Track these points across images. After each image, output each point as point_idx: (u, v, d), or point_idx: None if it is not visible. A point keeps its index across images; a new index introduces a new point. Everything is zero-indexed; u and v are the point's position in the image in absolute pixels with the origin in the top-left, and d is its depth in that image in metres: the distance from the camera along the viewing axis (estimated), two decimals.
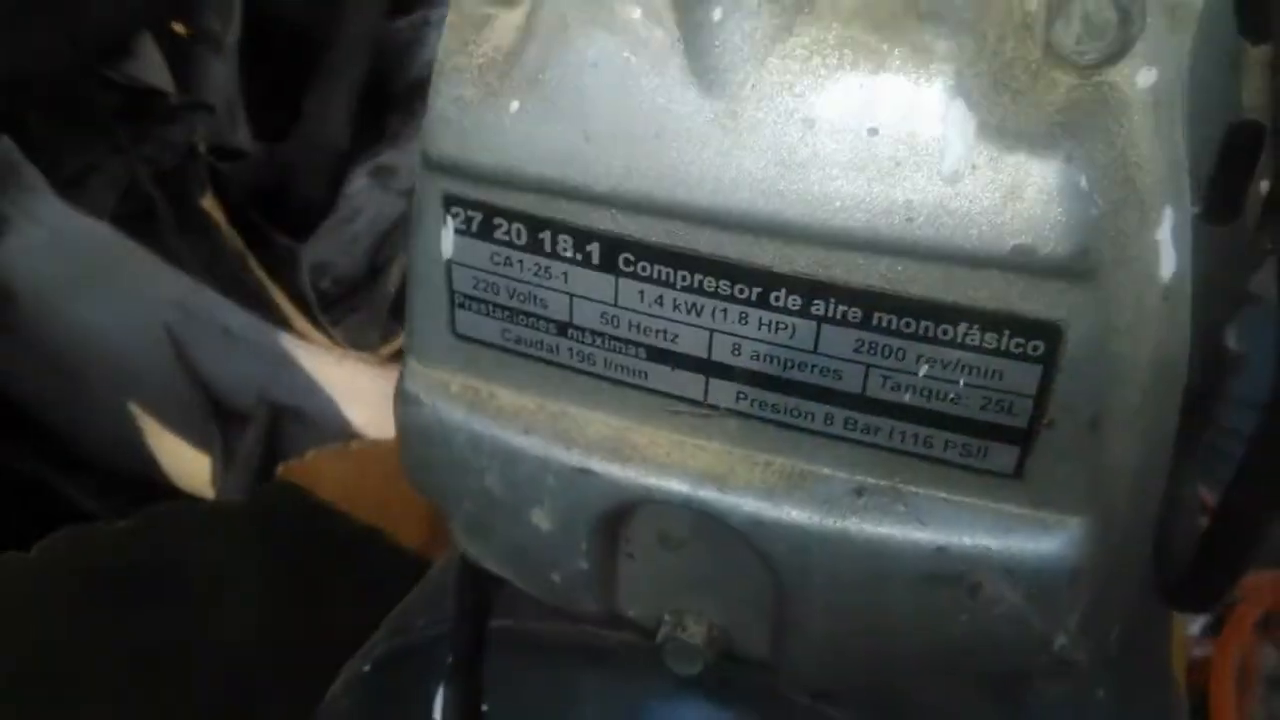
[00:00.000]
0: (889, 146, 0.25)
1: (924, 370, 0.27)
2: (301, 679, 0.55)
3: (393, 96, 1.76)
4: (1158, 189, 0.26)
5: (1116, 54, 0.24)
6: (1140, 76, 0.25)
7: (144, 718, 0.73)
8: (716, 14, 0.25)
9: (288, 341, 1.05)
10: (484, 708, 0.42)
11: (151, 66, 1.43)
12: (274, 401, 1.00)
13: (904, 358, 0.27)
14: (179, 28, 1.69)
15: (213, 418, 1.00)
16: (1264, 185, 0.32)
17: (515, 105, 0.28)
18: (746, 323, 0.28)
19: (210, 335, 1.02)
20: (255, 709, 0.77)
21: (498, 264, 0.31)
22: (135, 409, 1.00)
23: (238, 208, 1.21)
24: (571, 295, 0.30)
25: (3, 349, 0.95)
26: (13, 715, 0.71)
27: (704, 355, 0.29)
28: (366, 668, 0.48)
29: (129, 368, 0.99)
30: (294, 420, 1.00)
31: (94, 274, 1.00)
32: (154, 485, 1.01)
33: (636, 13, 0.26)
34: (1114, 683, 0.46)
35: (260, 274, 1.12)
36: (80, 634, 0.73)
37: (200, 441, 1.00)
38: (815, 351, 0.28)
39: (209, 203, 1.15)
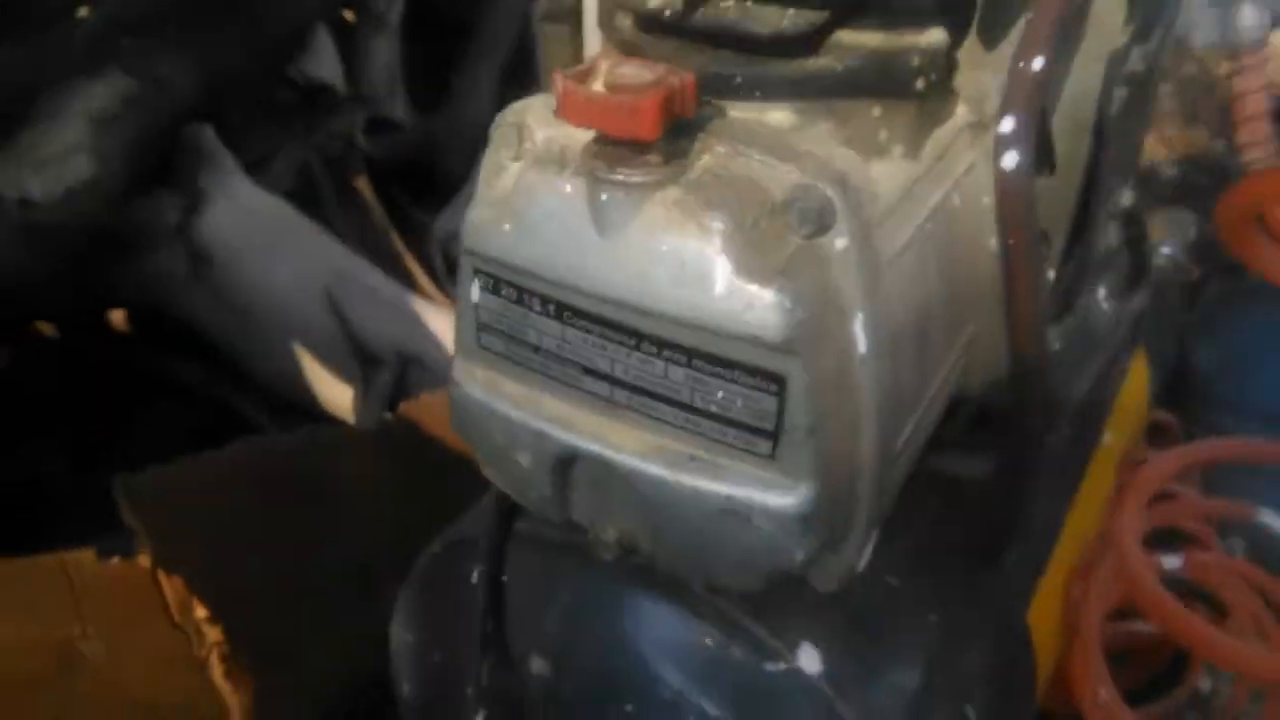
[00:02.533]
0: (689, 274, 0.45)
1: (721, 393, 0.47)
2: (408, 567, 0.79)
3: (535, 78, 1.96)
4: (853, 300, 0.45)
5: (820, 231, 0.44)
6: (837, 242, 0.45)
7: (294, 582, 1.00)
8: (604, 197, 0.46)
9: (418, 302, 1.30)
10: (503, 578, 0.66)
11: (325, 56, 1.69)
12: (404, 351, 1.25)
13: (710, 385, 0.47)
14: (348, 14, 1.94)
15: (356, 360, 1.26)
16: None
17: (507, 227, 0.49)
18: (630, 357, 0.49)
19: (359, 295, 1.28)
20: (371, 588, 1.03)
21: (501, 310, 0.52)
22: (299, 349, 1.28)
23: (385, 185, 1.47)
24: (540, 332, 0.51)
25: (202, 300, 1.23)
26: (206, 576, 0.97)
27: (610, 371, 0.50)
28: (435, 550, 0.71)
29: (296, 317, 1.26)
30: (419, 367, 1.25)
31: (273, 241, 1.28)
32: (308, 409, 1.29)
33: (568, 189, 0.47)
34: (944, 615, 0.65)
35: (399, 245, 1.37)
36: (252, 519, 1.00)
37: (346, 378, 1.27)
38: (665, 377, 0.48)
39: (362, 184, 1.41)
